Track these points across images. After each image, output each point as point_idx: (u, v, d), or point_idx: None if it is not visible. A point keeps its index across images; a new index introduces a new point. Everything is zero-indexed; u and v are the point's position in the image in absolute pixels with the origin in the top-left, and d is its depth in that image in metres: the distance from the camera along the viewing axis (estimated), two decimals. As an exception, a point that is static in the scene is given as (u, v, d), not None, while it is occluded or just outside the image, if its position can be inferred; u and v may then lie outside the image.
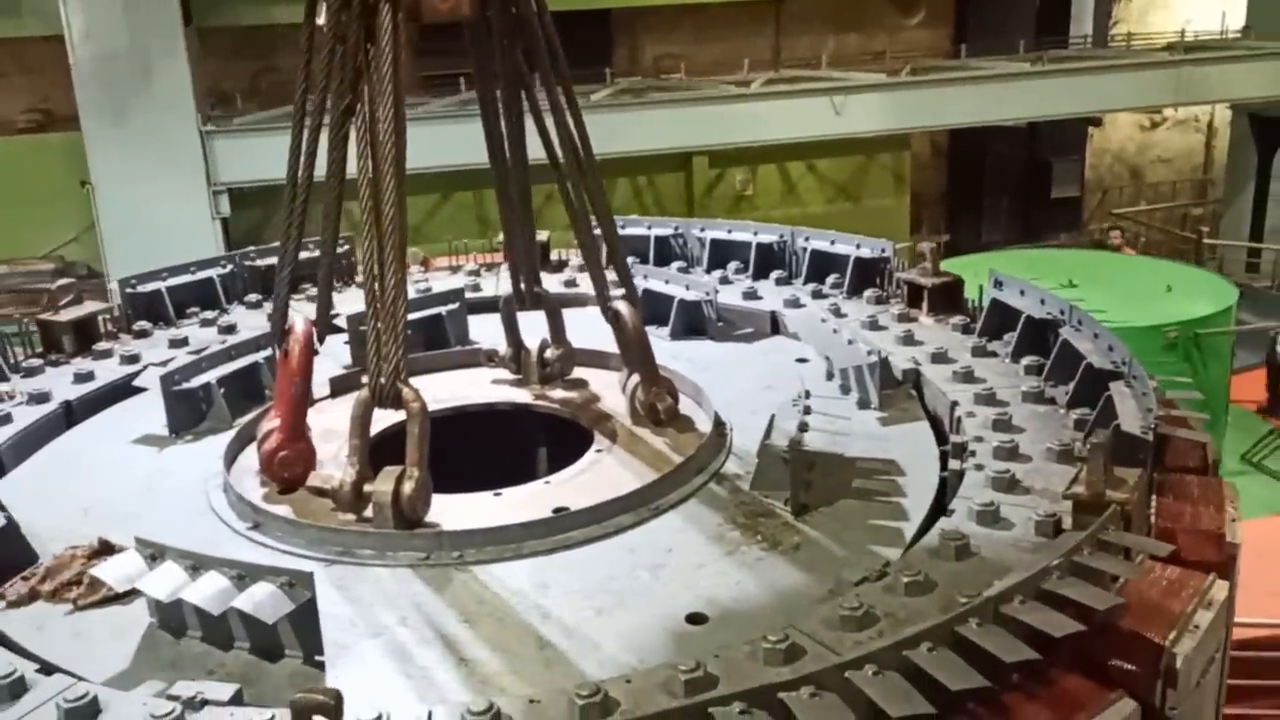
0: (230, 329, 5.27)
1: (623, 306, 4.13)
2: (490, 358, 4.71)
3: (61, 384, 4.69)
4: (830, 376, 4.47)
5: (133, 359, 4.93)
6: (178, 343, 5.12)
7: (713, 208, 19.99)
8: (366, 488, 3.55)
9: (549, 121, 3.98)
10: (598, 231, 4.21)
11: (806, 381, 4.50)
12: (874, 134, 19.03)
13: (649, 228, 5.86)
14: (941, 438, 4.01)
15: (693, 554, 3.36)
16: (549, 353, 4.57)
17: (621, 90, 19.11)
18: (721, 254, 5.68)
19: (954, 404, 4.03)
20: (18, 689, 2.67)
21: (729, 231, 5.69)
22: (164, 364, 4.89)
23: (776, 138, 18.34)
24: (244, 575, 2.95)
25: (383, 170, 3.53)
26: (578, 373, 4.64)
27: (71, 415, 4.58)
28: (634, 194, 20.43)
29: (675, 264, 5.66)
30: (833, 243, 5.38)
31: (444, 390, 4.59)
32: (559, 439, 4.36)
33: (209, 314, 5.42)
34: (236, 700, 2.68)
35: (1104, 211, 24.96)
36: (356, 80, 3.61)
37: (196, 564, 3.01)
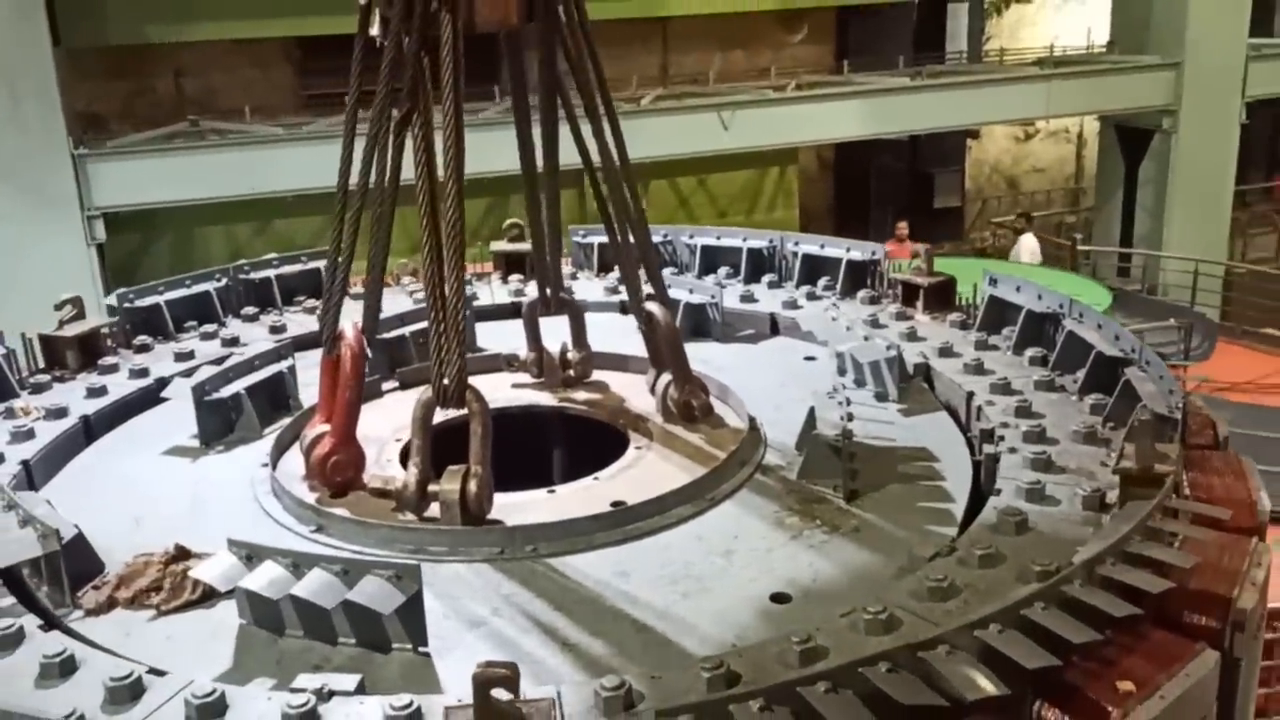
0: (234, 341, 5.27)
1: (655, 308, 4.29)
2: (510, 362, 4.82)
3: (75, 399, 4.65)
4: (842, 372, 4.68)
5: (142, 373, 4.91)
6: (183, 356, 5.10)
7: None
8: (430, 487, 3.64)
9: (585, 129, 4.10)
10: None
11: (819, 378, 4.72)
12: (761, 149, 19.43)
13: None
14: (959, 426, 4.25)
15: (759, 540, 3.52)
16: (570, 356, 4.69)
17: (509, 108, 19.06)
18: (711, 259, 5.87)
19: (970, 394, 4.27)
20: (136, 689, 2.71)
21: (718, 238, 5.88)
22: (174, 378, 4.89)
23: (667, 153, 18.45)
24: (348, 570, 3.02)
25: (443, 177, 3.62)
26: (596, 375, 4.77)
27: (90, 430, 4.55)
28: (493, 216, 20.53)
29: (667, 270, 5.82)
30: (822, 246, 5.61)
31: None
32: (589, 440, 4.48)
33: (209, 327, 5.41)
34: (360, 690, 2.75)
35: (984, 221, 25.87)
36: (414, 90, 3.70)
37: (297, 562, 3.07)
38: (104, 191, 14.98)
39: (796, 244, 5.69)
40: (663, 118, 18.45)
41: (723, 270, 5.82)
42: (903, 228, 19.07)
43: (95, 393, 4.70)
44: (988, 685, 2.39)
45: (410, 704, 2.57)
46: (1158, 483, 3.16)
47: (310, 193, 15.99)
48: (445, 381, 3.67)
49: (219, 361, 4.98)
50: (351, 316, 5.04)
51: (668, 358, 4.28)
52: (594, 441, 4.42)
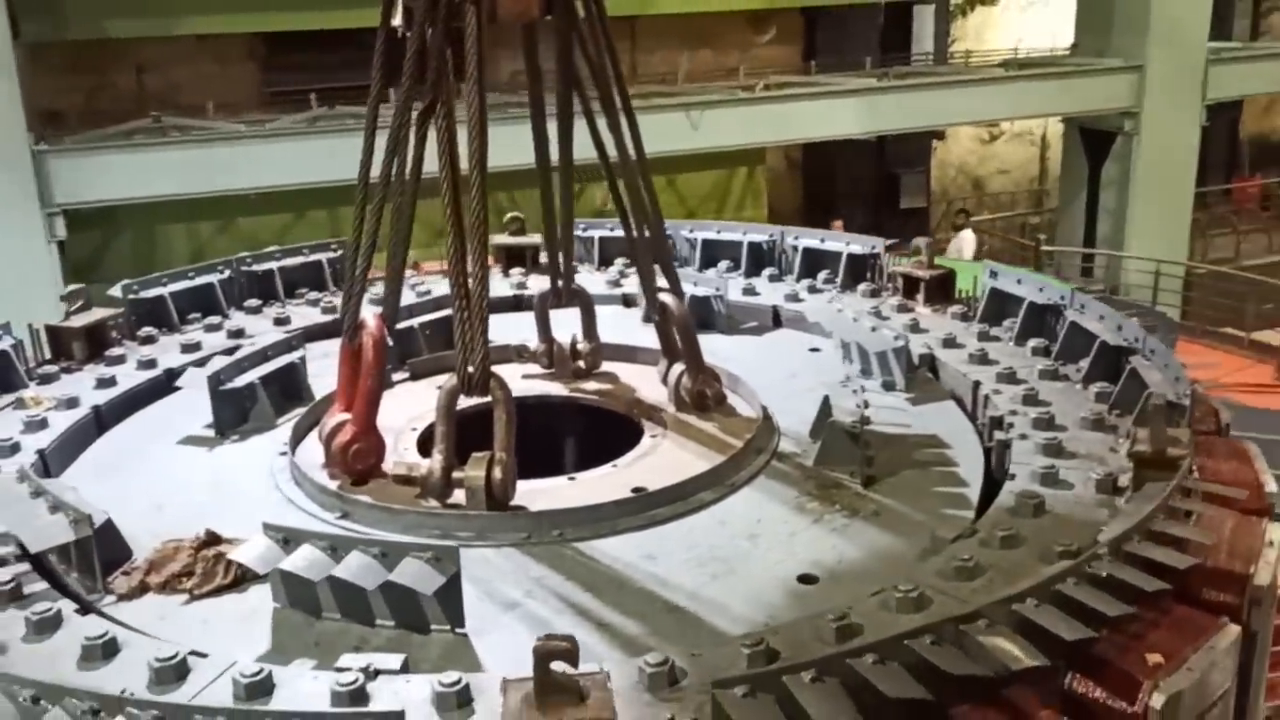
0: (239, 333, 5.28)
1: (669, 299, 4.35)
2: (520, 353, 4.86)
3: (85, 389, 4.65)
4: (849, 363, 4.76)
5: (149, 364, 4.92)
6: (190, 347, 5.11)
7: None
8: (455, 474, 3.69)
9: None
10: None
11: (825, 369, 4.80)
12: (730, 149, 19.51)
13: (611, 229, 6.07)
14: (966, 415, 4.35)
15: (781, 524, 3.60)
16: (580, 347, 4.75)
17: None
18: (712, 253, 5.94)
19: (977, 383, 4.37)
20: (181, 669, 2.74)
21: (718, 232, 5.95)
22: (183, 369, 4.91)
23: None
24: (386, 552, 3.06)
25: (468, 167, 3.67)
26: (605, 367, 4.82)
27: (101, 420, 4.55)
28: (491, 211, 20.47)
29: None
30: (823, 240, 5.70)
31: (480, 385, 4.71)
32: (602, 430, 4.53)
33: (213, 319, 5.42)
34: (405, 669, 2.80)
35: (950, 221, 26.14)
36: (438, 81, 3.74)
37: (335, 545, 3.11)
38: (65, 188, 14.80)
39: (796, 238, 5.78)
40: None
41: (723, 264, 5.89)
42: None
43: (105, 383, 4.71)
44: (1029, 656, 2.48)
45: (459, 681, 2.62)
46: (1172, 465, 3.26)
47: (274, 190, 15.96)
48: (470, 369, 3.72)
49: (228, 353, 5.00)
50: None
51: (681, 348, 4.34)
52: (607, 431, 4.48)
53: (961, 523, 3.47)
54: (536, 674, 2.36)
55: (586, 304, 4.73)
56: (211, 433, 4.41)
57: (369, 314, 4.01)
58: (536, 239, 6.11)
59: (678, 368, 4.41)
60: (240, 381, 4.43)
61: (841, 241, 5.63)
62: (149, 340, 5.20)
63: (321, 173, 14.41)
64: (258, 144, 15.71)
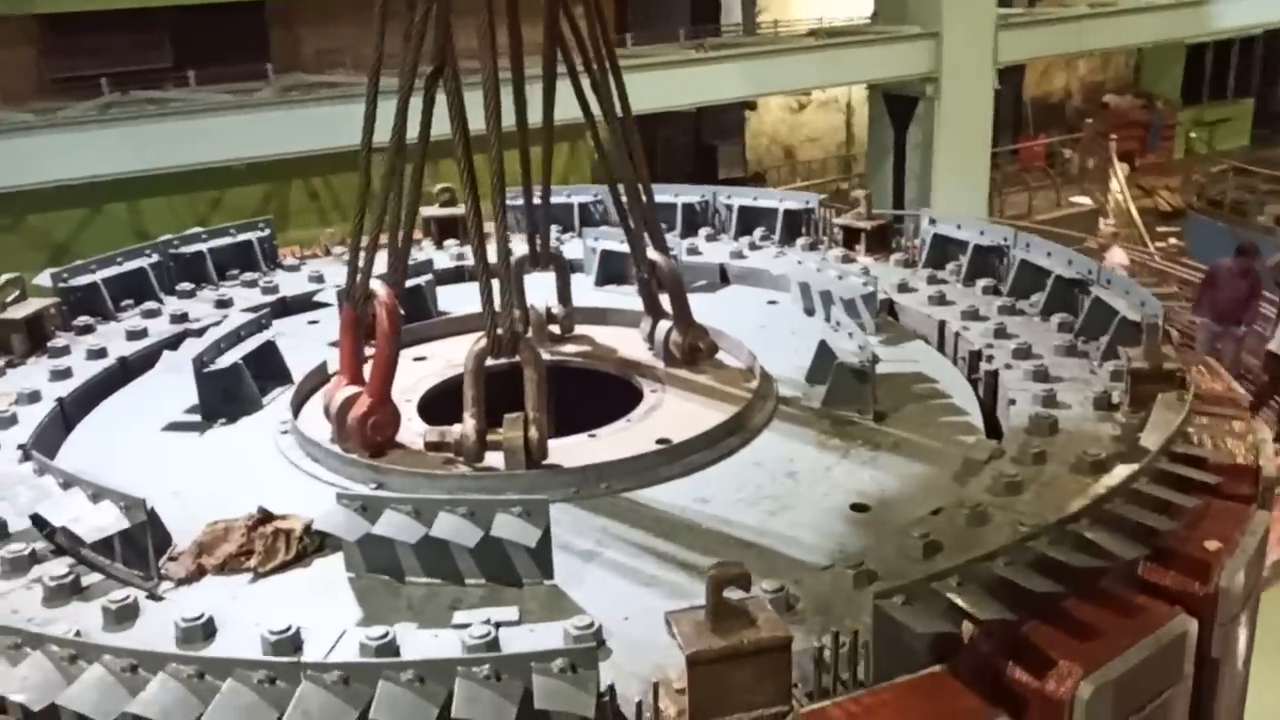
0: (182, 317, 5.10)
1: (659, 257, 4.45)
2: (495, 320, 4.86)
3: (40, 382, 4.42)
4: (810, 313, 4.98)
5: (100, 353, 4.70)
6: (136, 334, 4.91)
7: (394, 206, 19.59)
8: (489, 436, 3.71)
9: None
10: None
11: (790, 319, 5.01)
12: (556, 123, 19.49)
13: (569, 195, 6.14)
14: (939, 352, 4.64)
15: (813, 461, 3.78)
16: (556, 311, 4.80)
17: (287, 88, 18.43)
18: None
19: (942, 323, 4.66)
20: (296, 641, 2.71)
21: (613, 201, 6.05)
22: (134, 356, 4.75)
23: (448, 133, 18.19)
24: (474, 511, 3.08)
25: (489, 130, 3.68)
26: (578, 330, 4.89)
27: (65, 413, 4.34)
28: (309, 196, 20.00)
29: (599, 229, 5.97)
30: (755, 199, 5.90)
31: (459, 355, 4.70)
32: (593, 391, 4.60)
33: (150, 304, 5.20)
34: (520, 621, 2.84)
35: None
36: (445, 46, 3.73)
37: (418, 508, 3.11)
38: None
39: (729, 197, 5.95)
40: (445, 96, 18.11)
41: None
42: None
43: (60, 375, 4.48)
44: (1133, 548, 2.74)
45: (592, 624, 2.69)
46: (1170, 378, 3.60)
47: (72, 184, 15.02)
48: (499, 331, 3.75)
49: (181, 337, 4.86)
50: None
51: (671, 304, 4.45)
52: (597, 391, 4.56)
53: (975, 447, 3.72)
54: (712, 600, 2.46)
55: (562, 267, 4.78)
56: (194, 417, 4.27)
57: (376, 284, 3.96)
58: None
59: (664, 324, 4.52)
60: (224, 363, 4.29)
61: (775, 199, 5.84)
62: (88, 330, 4.96)
63: (119, 164, 13.71)
64: (48, 134, 14.69)
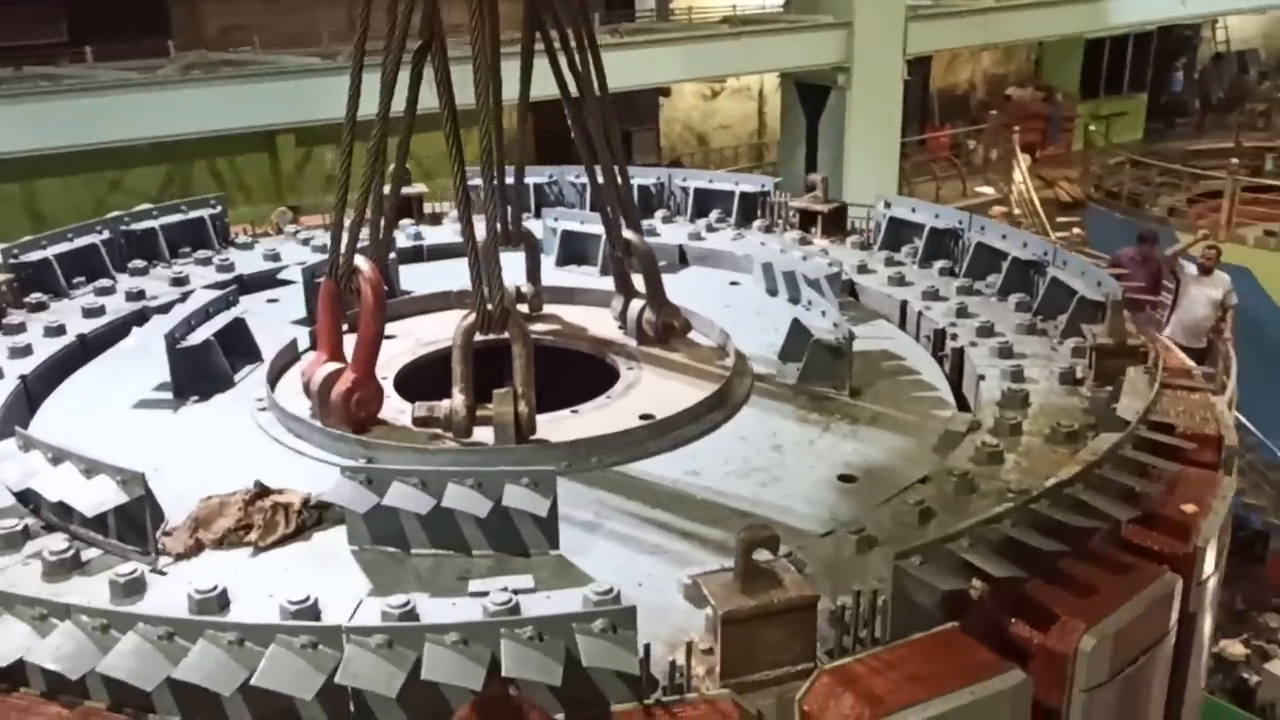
0: (138, 295, 5.01)
1: (633, 236, 4.51)
2: (463, 299, 4.86)
3: (1, 359, 4.31)
4: (773, 293, 5.09)
5: (58, 330, 4.60)
6: (92, 311, 4.81)
7: (304, 188, 19.23)
8: (479, 411, 3.74)
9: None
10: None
11: (753, 299, 5.11)
12: (464, 108, 19.38)
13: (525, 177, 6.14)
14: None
15: (796, 434, 3.88)
16: (525, 289, 4.83)
17: (190, 65, 17.99)
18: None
19: (904, 302, 4.81)
20: (314, 611, 2.72)
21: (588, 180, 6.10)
22: (94, 333, 4.66)
23: (369, 113, 17.91)
24: (482, 482, 3.12)
25: (481, 105, 3.70)
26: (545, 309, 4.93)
27: (29, 391, 4.25)
28: (213, 176, 19.58)
29: (557, 209, 5.99)
30: (710, 181, 5.98)
31: (428, 333, 4.72)
32: (564, 368, 4.64)
33: (103, 282, 5.09)
34: (534, 589, 2.89)
35: (681, 178, 27.16)
36: (433, 20, 3.74)
37: (424, 480, 3.12)
38: None
39: (685, 180, 6.03)
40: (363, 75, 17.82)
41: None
42: None
43: (20, 352, 4.38)
44: (1127, 509, 2.89)
45: (610, 590, 2.74)
46: (1133, 353, 3.78)
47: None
48: (489, 307, 3.77)
49: (142, 314, 4.79)
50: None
51: (645, 282, 4.52)
52: (569, 369, 4.60)
53: (953, 420, 3.86)
54: (742, 561, 2.54)
55: (533, 245, 4.81)
56: (165, 394, 4.21)
57: (361, 260, 3.95)
58: (421, 188, 6.10)
59: (637, 303, 4.58)
60: (196, 339, 4.24)
61: (730, 182, 5.93)
62: (41, 306, 4.84)
63: (12, 142, 13.25)
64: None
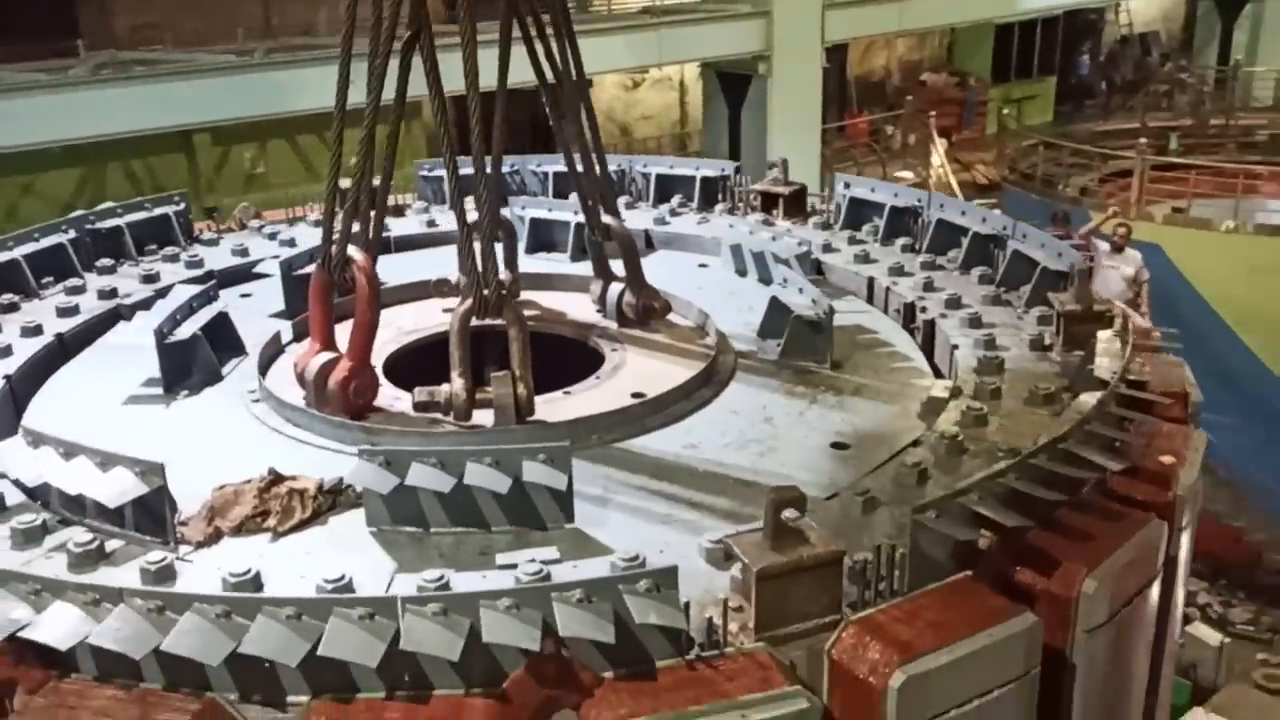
0: (111, 293, 4.99)
1: (613, 221, 4.61)
2: (439, 287, 4.93)
3: (-20, 361, 4.29)
4: (743, 274, 5.23)
5: (35, 330, 4.57)
6: (66, 311, 4.78)
7: (222, 188, 18.92)
8: (478, 395, 3.82)
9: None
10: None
11: (724, 280, 5.25)
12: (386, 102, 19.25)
13: (486, 167, 6.20)
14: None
15: (785, 407, 4.02)
16: (502, 276, 4.89)
17: (100, 65, 17.64)
18: (562, 186, 6.17)
19: (871, 279, 4.98)
20: (349, 587, 2.79)
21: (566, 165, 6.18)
22: (71, 332, 4.65)
23: (287, 110, 17.62)
24: (499, 460, 3.20)
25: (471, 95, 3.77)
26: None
27: (14, 390, 4.23)
28: (128, 178, 19.23)
29: (522, 198, 6.06)
30: (672, 166, 6.11)
31: (408, 322, 4.78)
32: (547, 352, 4.71)
33: (73, 281, 5.06)
34: (558, 560, 3.00)
35: (604, 168, 27.21)
36: (420, 11, 3.80)
37: (442, 460, 3.20)
38: None
39: (645, 165, 6.14)
40: (280, 72, 17.56)
41: (573, 195, 6.13)
42: None
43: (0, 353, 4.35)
44: (1118, 461, 3.08)
45: (637, 556, 2.85)
46: (1099, 318, 3.99)
47: None
48: (486, 293, 3.85)
49: (115, 313, 4.80)
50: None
51: (625, 265, 4.62)
52: (553, 354, 4.68)
53: (935, 387, 4.03)
54: (771, 520, 2.67)
55: (510, 233, 4.89)
56: (154, 390, 4.22)
57: (353, 249, 4.00)
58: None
59: (617, 286, 4.69)
60: (184, 334, 4.25)
61: (691, 167, 6.06)
62: (13, 307, 4.80)
63: None
64: None
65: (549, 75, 4.44)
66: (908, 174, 25.94)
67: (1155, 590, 3.16)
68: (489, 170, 3.85)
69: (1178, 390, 3.69)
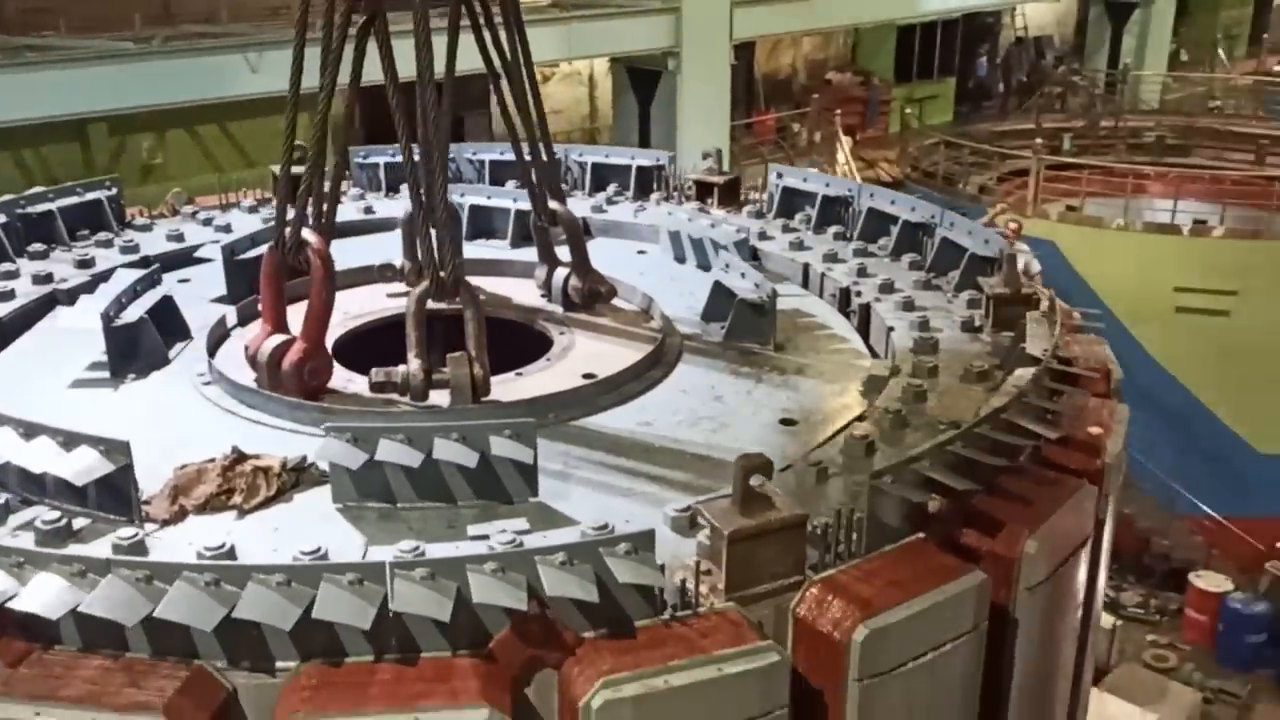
0: (46, 278, 4.93)
1: (559, 207, 4.71)
2: (384, 273, 4.98)
3: (-82, 345, 4.23)
4: (681, 260, 5.37)
5: (-30, 315, 4.52)
6: (2, 295, 4.72)
7: (120, 179, 18.50)
8: (435, 375, 3.89)
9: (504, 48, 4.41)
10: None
11: (663, 266, 5.38)
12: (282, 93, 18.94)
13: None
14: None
15: (733, 386, 4.16)
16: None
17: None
18: (498, 174, 6.25)
19: (806, 265, 5.15)
20: (325, 559, 2.86)
21: (501, 153, 6.26)
22: (8, 317, 4.59)
23: (186, 99, 17.29)
24: (466, 436, 3.28)
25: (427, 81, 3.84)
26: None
27: (-44, 374, 4.18)
28: (18, 168, 18.72)
29: (460, 185, 6.10)
30: (607, 156, 6.21)
31: (354, 306, 4.81)
32: (493, 336, 4.79)
33: (7, 265, 4.99)
34: (528, 531, 3.10)
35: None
36: (377, -3, 3.86)
37: (410, 436, 3.27)
38: None
39: (581, 154, 6.24)
40: (179, 60, 17.19)
41: (510, 184, 6.21)
42: None
43: (-64, 338, 4.29)
44: (1054, 430, 3.28)
45: (606, 525, 2.97)
46: (1027, 300, 4.21)
47: None
48: (442, 275, 3.92)
49: (53, 297, 4.75)
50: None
51: (571, 250, 4.72)
52: (500, 337, 4.75)
53: (875, 366, 4.21)
54: (740, 485, 2.81)
55: (454, 218, 4.94)
56: (100, 373, 4.20)
57: (306, 232, 4.03)
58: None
59: (562, 271, 4.78)
60: (130, 317, 4.24)
61: (626, 156, 6.17)
62: (-59, 292, 4.73)
63: None
64: None
65: (496, 63, 4.51)
66: (814, 171, 26.38)
67: (1087, 551, 3.37)
68: (437, 156, 3.90)
69: (1102, 367, 3.92)
